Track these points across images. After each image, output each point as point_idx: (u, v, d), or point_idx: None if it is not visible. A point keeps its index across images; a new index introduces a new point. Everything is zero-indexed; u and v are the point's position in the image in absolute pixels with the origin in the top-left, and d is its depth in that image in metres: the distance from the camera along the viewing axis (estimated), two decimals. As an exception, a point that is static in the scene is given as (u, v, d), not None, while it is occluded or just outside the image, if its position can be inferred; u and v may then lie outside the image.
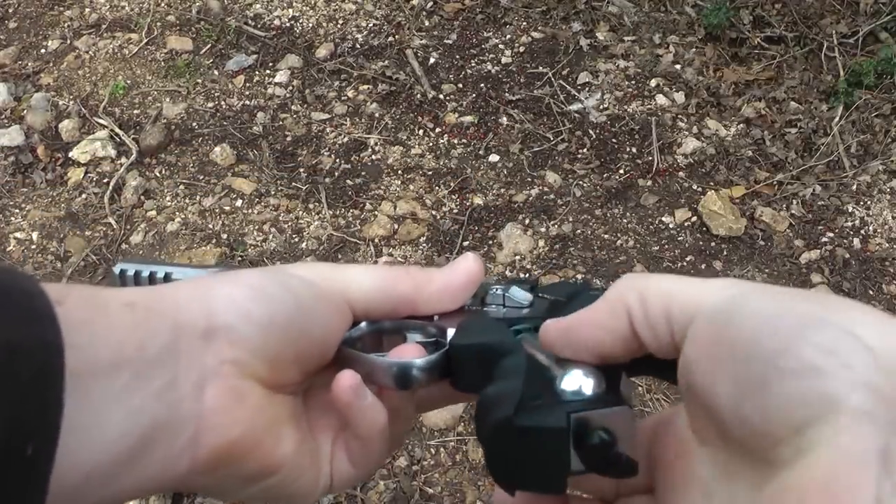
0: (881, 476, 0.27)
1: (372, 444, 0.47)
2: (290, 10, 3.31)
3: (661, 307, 0.39)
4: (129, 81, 3.08)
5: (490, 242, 2.60)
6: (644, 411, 2.22)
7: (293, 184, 2.76)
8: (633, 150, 2.86)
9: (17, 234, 2.66)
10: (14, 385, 0.34)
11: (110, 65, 3.13)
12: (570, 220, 2.66)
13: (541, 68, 3.09)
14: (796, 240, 2.63)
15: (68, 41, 3.21)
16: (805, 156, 2.82)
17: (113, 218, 2.69)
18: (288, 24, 3.26)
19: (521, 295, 0.49)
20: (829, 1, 3.21)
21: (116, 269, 0.53)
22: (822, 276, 2.54)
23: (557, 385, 0.41)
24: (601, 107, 2.98)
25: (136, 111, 3.00)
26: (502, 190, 2.74)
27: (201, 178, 2.80)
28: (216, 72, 3.11)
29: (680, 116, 2.95)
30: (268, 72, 3.10)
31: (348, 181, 2.78)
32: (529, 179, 2.78)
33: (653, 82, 3.05)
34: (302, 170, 2.80)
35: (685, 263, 2.57)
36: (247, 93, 3.04)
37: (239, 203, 2.72)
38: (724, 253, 2.59)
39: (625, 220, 2.67)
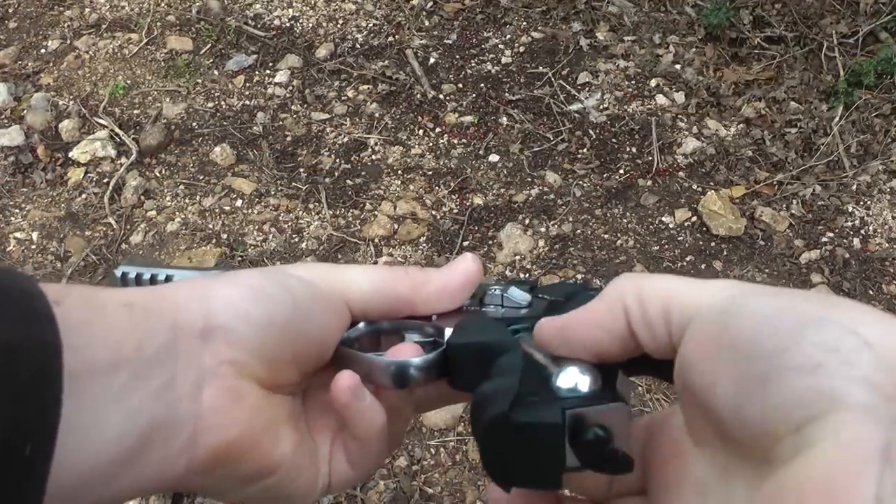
0: (882, 472, 0.27)
1: (370, 445, 0.47)
2: (290, 10, 3.31)
3: (659, 308, 0.38)
4: (129, 81, 3.08)
5: (490, 242, 2.60)
6: (644, 411, 2.22)
7: (293, 184, 2.76)
8: (633, 150, 2.86)
9: (17, 234, 2.67)
10: (13, 385, 0.34)
11: (110, 65, 3.13)
12: (570, 220, 2.66)
13: (541, 68, 3.09)
14: (796, 240, 2.63)
15: (68, 41, 3.21)
16: (805, 156, 2.82)
17: (113, 218, 2.69)
18: (288, 24, 3.26)
19: (519, 295, 0.49)
20: (829, 1, 3.21)
21: (118, 272, 0.53)
22: (822, 276, 2.54)
23: (553, 382, 0.41)
24: (601, 107, 2.98)
25: (136, 111, 3.00)
26: (502, 190, 2.74)
27: (201, 178, 2.80)
28: (216, 72, 3.11)
29: (680, 116, 2.95)
30: (268, 72, 3.10)
31: (348, 181, 2.78)
32: (529, 179, 2.78)
33: (653, 82, 3.05)
34: (302, 170, 2.80)
35: (685, 263, 2.57)
36: (247, 93, 3.04)
37: (239, 203, 2.72)
38: (724, 253, 2.59)
39: (625, 220, 2.67)
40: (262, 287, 0.45)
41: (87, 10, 3.32)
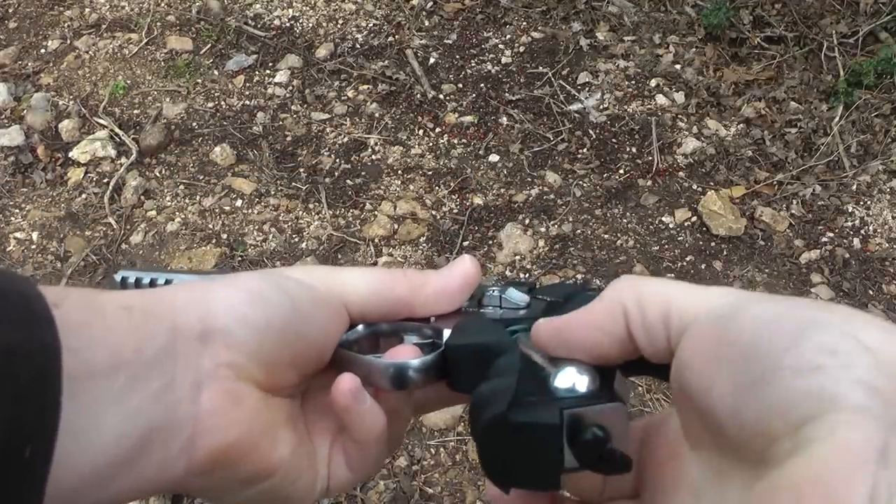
0: (878, 472, 0.27)
1: (369, 448, 0.47)
2: (290, 10, 3.31)
3: (659, 313, 0.39)
4: (129, 81, 3.08)
5: (490, 242, 2.61)
6: (644, 411, 2.22)
7: (293, 184, 2.76)
8: (633, 150, 2.86)
9: (17, 234, 2.67)
10: (12, 387, 0.34)
11: (110, 65, 3.13)
12: (570, 220, 2.66)
13: (541, 68, 3.09)
14: (796, 240, 2.63)
15: (68, 41, 3.21)
16: (805, 156, 2.82)
17: (113, 218, 2.69)
18: (288, 24, 3.26)
19: (517, 296, 0.49)
20: (829, 1, 3.21)
21: (117, 277, 0.54)
22: (822, 276, 2.54)
23: (551, 383, 0.41)
24: (601, 107, 2.98)
25: (136, 111, 3.00)
26: (502, 190, 2.74)
27: (201, 178, 2.80)
28: (216, 72, 3.11)
29: (680, 116, 2.95)
30: (268, 72, 3.10)
31: (348, 181, 2.78)
32: (529, 179, 2.78)
33: (653, 82, 3.05)
34: (302, 170, 2.80)
35: (685, 263, 2.57)
36: (247, 93, 3.04)
37: (239, 203, 2.72)
38: (724, 253, 2.59)
39: (625, 220, 2.67)
40: (260, 290, 0.45)
41: (87, 10, 3.32)
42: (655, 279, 0.41)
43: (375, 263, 2.56)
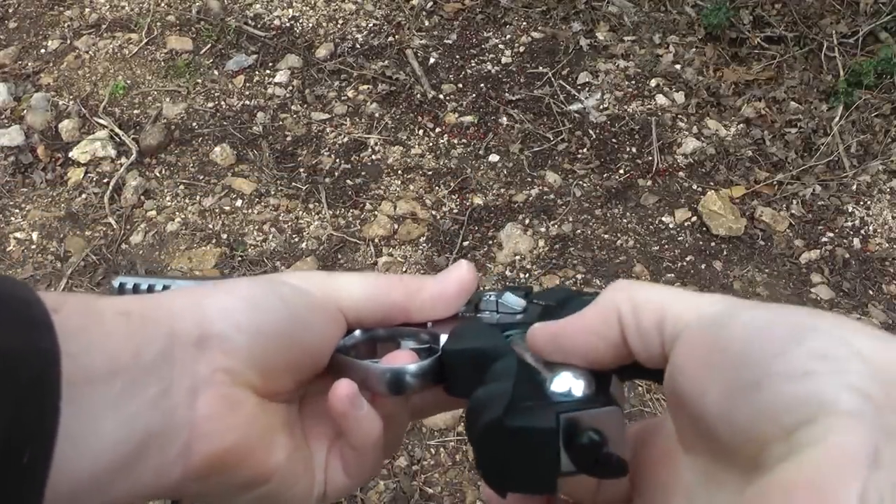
0: (869, 476, 0.28)
1: (367, 454, 0.47)
2: (290, 10, 3.31)
3: (653, 318, 0.39)
4: (129, 81, 3.08)
5: (490, 242, 2.61)
6: (644, 411, 2.23)
7: (293, 184, 2.76)
8: (633, 150, 2.86)
9: (17, 234, 2.67)
10: (12, 392, 0.34)
11: (110, 65, 3.14)
12: (570, 220, 2.66)
13: (541, 68, 3.09)
14: (796, 240, 2.63)
15: (68, 41, 3.21)
16: (805, 156, 2.82)
17: (113, 218, 2.69)
18: (288, 24, 3.27)
19: (514, 301, 0.49)
20: (829, 1, 3.20)
21: (115, 283, 0.54)
22: (822, 276, 2.54)
23: (547, 387, 0.41)
24: (601, 107, 2.98)
25: (136, 111, 3.00)
26: (502, 190, 2.74)
27: (201, 178, 2.80)
28: (216, 72, 3.11)
29: (680, 116, 2.95)
30: (268, 72, 3.10)
31: (348, 181, 2.78)
32: (529, 179, 2.78)
33: (653, 82, 3.05)
34: (302, 170, 2.80)
35: (685, 263, 2.57)
36: (247, 93, 3.04)
37: (239, 203, 2.72)
38: (724, 253, 2.59)
39: (625, 220, 2.67)
40: (256, 296, 0.45)
41: (87, 10, 3.32)
42: (650, 284, 0.41)
43: (375, 263, 2.56)
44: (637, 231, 2.65)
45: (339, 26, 3.26)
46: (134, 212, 2.71)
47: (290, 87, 3.05)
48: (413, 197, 2.72)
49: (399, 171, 2.79)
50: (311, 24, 3.26)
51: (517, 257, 2.56)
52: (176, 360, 0.42)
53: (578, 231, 2.63)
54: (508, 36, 3.21)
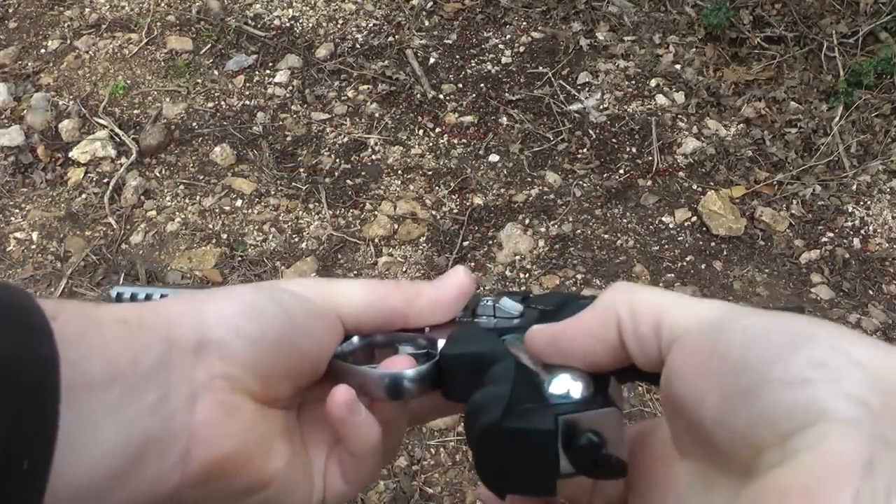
0: (863, 482, 0.28)
1: (365, 460, 0.47)
2: (290, 10, 3.31)
3: (651, 322, 0.39)
4: (129, 81, 3.08)
5: (490, 242, 2.61)
6: (644, 411, 2.23)
7: (293, 184, 2.76)
8: (633, 150, 2.86)
9: (17, 234, 2.67)
10: (12, 399, 0.34)
11: (110, 65, 3.14)
12: (570, 220, 2.66)
13: (541, 68, 3.09)
14: (796, 240, 2.63)
15: (68, 41, 3.21)
16: (805, 156, 2.82)
17: (113, 218, 2.69)
18: (288, 24, 3.26)
19: (511, 305, 0.50)
20: (829, 1, 3.20)
21: (113, 293, 0.54)
22: (822, 276, 2.54)
23: (545, 389, 0.41)
24: (601, 107, 2.98)
25: (136, 111, 3.00)
26: (502, 190, 2.74)
27: (201, 178, 2.80)
28: (216, 72, 3.11)
29: (680, 116, 2.95)
30: (268, 72, 3.10)
31: (348, 181, 2.78)
32: (529, 179, 2.78)
33: (653, 82, 3.05)
34: (302, 170, 2.80)
35: (685, 263, 2.57)
36: (247, 93, 3.04)
37: (239, 203, 2.72)
38: (724, 253, 2.59)
39: (625, 220, 2.67)
40: (254, 302, 0.45)
41: (87, 10, 3.32)
42: (649, 288, 0.41)
43: (375, 263, 2.56)
44: (637, 231, 2.65)
45: (339, 26, 3.26)
46: (134, 212, 2.71)
47: (290, 87, 3.05)
48: (413, 197, 2.72)
49: (399, 171, 2.80)
50: (311, 24, 3.26)
51: (517, 257, 2.56)
52: (174, 366, 0.42)
53: (578, 231, 2.64)
54: (508, 36, 3.21)
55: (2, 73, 3.10)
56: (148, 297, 0.52)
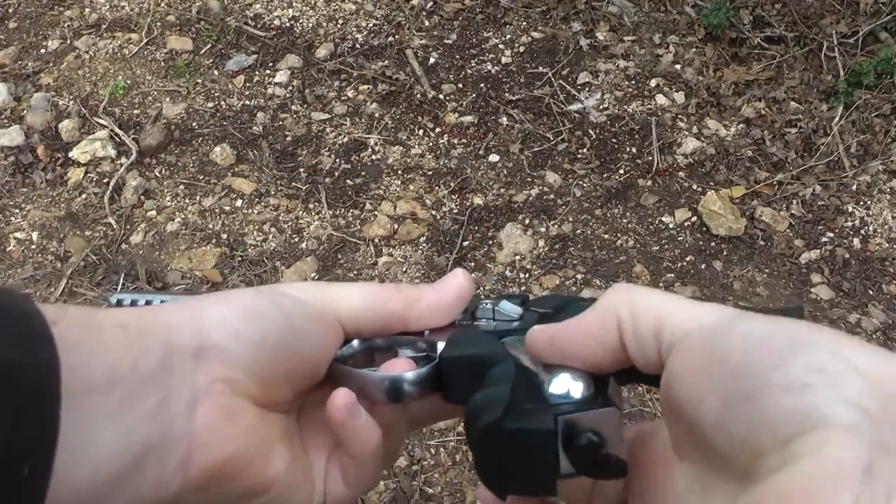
0: (862, 488, 0.28)
1: (366, 463, 0.47)
2: (290, 10, 3.31)
3: (651, 325, 0.39)
4: (129, 81, 3.08)
5: (490, 242, 2.61)
6: (644, 411, 2.23)
7: (293, 184, 2.76)
8: (633, 150, 2.86)
9: (17, 234, 2.67)
10: (12, 403, 0.34)
11: (110, 65, 3.14)
12: (570, 220, 2.66)
13: (541, 68, 3.09)
14: (796, 240, 2.63)
15: (68, 41, 3.21)
16: (805, 156, 2.82)
17: (113, 218, 2.69)
18: (288, 24, 3.26)
19: (510, 308, 0.50)
20: (829, 1, 3.20)
21: (112, 300, 0.54)
22: (822, 276, 2.54)
23: (545, 389, 0.41)
24: (601, 107, 2.98)
25: (136, 111, 3.00)
26: (502, 190, 2.74)
27: (201, 178, 2.80)
28: (216, 72, 3.11)
29: (680, 116, 2.95)
30: (268, 72, 3.10)
31: (348, 181, 2.78)
32: (529, 179, 2.78)
33: (653, 82, 3.05)
34: (302, 170, 2.80)
35: (685, 263, 2.57)
36: (247, 93, 3.04)
37: (239, 203, 2.72)
38: (724, 253, 2.59)
39: (625, 220, 2.67)
40: (254, 306, 0.46)
41: (87, 10, 3.32)
42: (650, 290, 0.41)
43: (375, 263, 2.56)
44: (637, 231, 2.65)
45: (339, 26, 3.26)
46: (134, 212, 2.72)
47: (290, 87, 3.05)
48: (413, 197, 2.72)
49: (399, 171, 2.80)
50: (311, 24, 3.26)
51: (517, 257, 2.56)
52: (174, 370, 0.42)
53: (578, 231, 2.64)
54: (508, 36, 3.21)
55: (2, 73, 3.10)
56: (148, 304, 0.52)
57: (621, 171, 2.80)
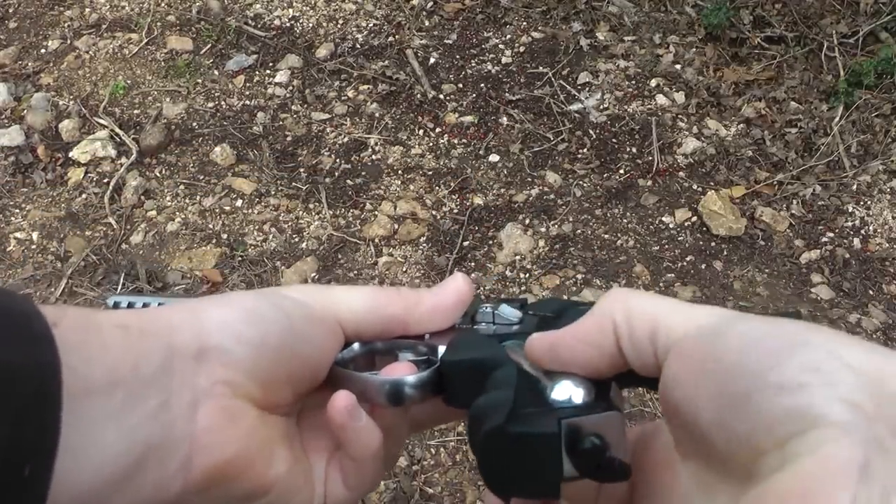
0: (859, 487, 0.28)
1: (366, 466, 0.48)
2: (290, 10, 3.31)
3: (647, 329, 0.39)
4: (129, 81, 3.08)
5: (490, 242, 2.61)
6: (644, 412, 2.23)
7: (293, 184, 2.76)
8: (633, 150, 2.86)
9: (17, 234, 2.67)
10: (13, 405, 0.34)
11: (110, 65, 3.14)
12: (570, 220, 2.66)
13: (541, 68, 3.09)
14: (796, 240, 2.63)
15: (68, 41, 3.21)
16: (805, 156, 2.82)
17: (113, 218, 2.69)
18: (288, 24, 3.26)
19: (510, 312, 0.50)
20: (829, 1, 3.20)
21: (110, 302, 0.54)
22: (822, 276, 2.54)
23: (548, 395, 0.41)
24: (601, 107, 2.98)
25: (136, 111, 3.00)
26: (502, 190, 2.74)
27: (201, 178, 2.80)
28: (216, 72, 3.11)
29: (680, 116, 2.95)
30: (268, 72, 3.10)
31: (348, 181, 2.78)
32: (529, 179, 2.78)
33: (653, 82, 3.05)
34: (302, 170, 2.80)
35: (685, 263, 2.57)
36: (247, 93, 3.05)
37: (239, 203, 2.72)
38: (724, 253, 2.59)
39: (625, 220, 2.67)
40: (255, 308, 0.46)
41: (87, 10, 3.32)
42: (646, 294, 0.42)
43: (375, 264, 2.56)
44: (637, 231, 2.65)
45: (339, 26, 3.26)
46: (134, 212, 2.72)
47: (291, 87, 3.05)
48: (413, 197, 2.72)
49: (399, 171, 2.80)
50: (311, 24, 3.26)
51: (517, 257, 2.56)
52: (175, 372, 0.42)
53: (578, 231, 2.64)
54: (508, 36, 3.21)
55: (2, 73, 3.10)
56: (145, 306, 0.53)
57: (621, 171, 2.80)
